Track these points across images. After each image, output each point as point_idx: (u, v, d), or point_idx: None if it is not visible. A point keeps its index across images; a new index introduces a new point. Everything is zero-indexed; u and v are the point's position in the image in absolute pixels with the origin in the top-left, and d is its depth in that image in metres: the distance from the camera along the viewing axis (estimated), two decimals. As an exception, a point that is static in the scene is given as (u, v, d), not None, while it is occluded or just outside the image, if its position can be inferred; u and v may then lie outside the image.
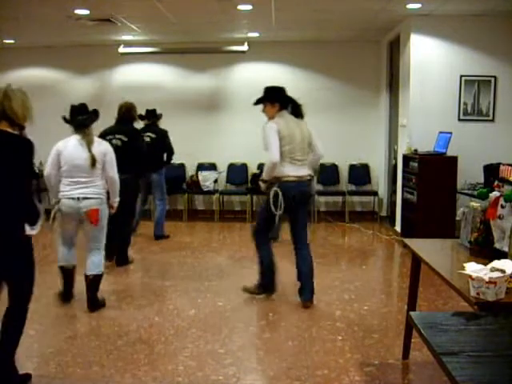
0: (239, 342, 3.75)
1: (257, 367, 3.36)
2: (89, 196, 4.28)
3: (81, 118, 4.33)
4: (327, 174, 8.69)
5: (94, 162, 4.25)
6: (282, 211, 4.36)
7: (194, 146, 8.77)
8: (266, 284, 4.64)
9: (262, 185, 4.53)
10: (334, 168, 8.68)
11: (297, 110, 4.60)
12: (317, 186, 8.72)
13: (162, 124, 8.72)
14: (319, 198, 8.59)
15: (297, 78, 8.67)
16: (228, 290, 4.94)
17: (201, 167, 8.74)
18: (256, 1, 5.96)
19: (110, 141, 5.38)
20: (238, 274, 5.51)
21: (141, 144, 6.00)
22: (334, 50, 8.53)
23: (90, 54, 8.74)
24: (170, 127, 8.82)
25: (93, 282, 4.43)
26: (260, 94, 9.03)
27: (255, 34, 8.05)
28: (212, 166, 8.76)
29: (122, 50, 8.42)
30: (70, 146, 4.28)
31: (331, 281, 5.28)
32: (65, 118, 4.41)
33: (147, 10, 6.41)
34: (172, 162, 7.22)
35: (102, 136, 5.49)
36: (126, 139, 5.67)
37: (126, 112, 5.98)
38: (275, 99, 4.53)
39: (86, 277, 4.42)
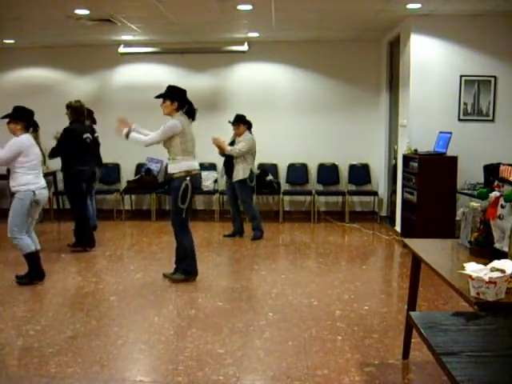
0: (239, 342, 3.75)
1: (257, 367, 3.36)
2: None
3: (33, 121, 5.07)
4: (327, 173, 8.70)
5: (45, 159, 5.14)
6: (187, 204, 4.93)
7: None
8: (191, 269, 5.04)
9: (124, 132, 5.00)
10: (334, 168, 8.69)
11: (192, 113, 5.11)
12: (317, 186, 8.73)
13: (162, 123, 8.73)
14: (319, 198, 8.59)
15: (297, 78, 8.68)
16: (228, 290, 4.94)
17: (201, 167, 8.72)
18: (256, 1, 5.96)
19: (85, 139, 6.39)
20: (238, 273, 5.51)
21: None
22: (334, 49, 8.54)
23: (90, 54, 8.74)
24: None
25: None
26: (260, 94, 9.07)
27: (255, 34, 8.05)
28: (212, 166, 8.77)
29: (121, 49, 8.42)
30: (34, 144, 4.95)
31: (331, 281, 5.28)
32: (35, 123, 5.08)
33: (147, 10, 6.41)
34: None
35: (79, 133, 6.36)
36: (91, 137, 6.53)
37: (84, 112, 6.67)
38: (176, 98, 4.96)
39: (38, 252, 5.08)
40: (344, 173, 8.72)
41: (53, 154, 6.40)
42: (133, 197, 8.98)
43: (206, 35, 8.06)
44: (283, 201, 8.50)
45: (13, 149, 4.79)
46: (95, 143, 6.77)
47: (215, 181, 8.62)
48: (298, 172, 8.75)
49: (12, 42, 8.32)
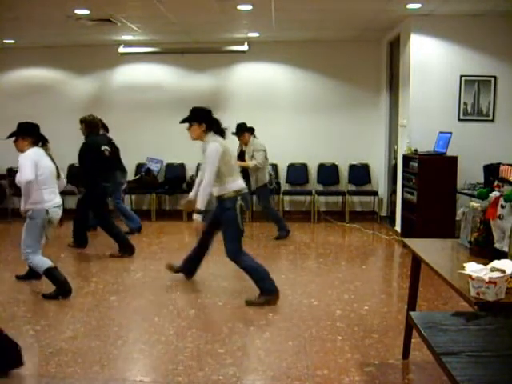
0: (239, 342, 3.75)
1: (257, 367, 3.36)
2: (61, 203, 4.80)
3: (42, 135, 4.76)
4: (327, 174, 8.70)
5: (58, 172, 4.78)
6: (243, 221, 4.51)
7: (194, 146, 8.72)
8: (267, 288, 4.57)
9: (198, 217, 4.42)
10: (334, 168, 8.69)
11: (221, 132, 4.71)
12: (317, 186, 8.73)
13: (162, 123, 8.76)
14: (319, 198, 8.59)
15: (297, 78, 8.68)
16: (228, 290, 4.94)
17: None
18: (256, 1, 5.96)
19: (103, 151, 6.22)
20: (238, 274, 5.50)
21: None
22: (334, 49, 8.53)
23: (90, 54, 8.74)
24: (170, 127, 8.82)
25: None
26: (260, 94, 9.06)
27: (255, 34, 8.04)
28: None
29: (121, 50, 8.42)
30: (44, 156, 4.63)
31: (331, 281, 5.28)
32: (43, 137, 4.76)
33: (147, 10, 6.41)
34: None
35: (97, 146, 6.22)
36: (109, 149, 6.38)
37: (98, 124, 6.52)
38: (202, 120, 4.61)
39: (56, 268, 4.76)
40: (344, 173, 8.72)
41: (79, 176, 6.33)
42: (133, 197, 8.97)
43: (206, 35, 8.06)
44: (283, 201, 8.50)
45: (28, 164, 4.43)
46: (114, 153, 6.74)
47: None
48: (298, 172, 8.75)
49: (12, 42, 8.31)
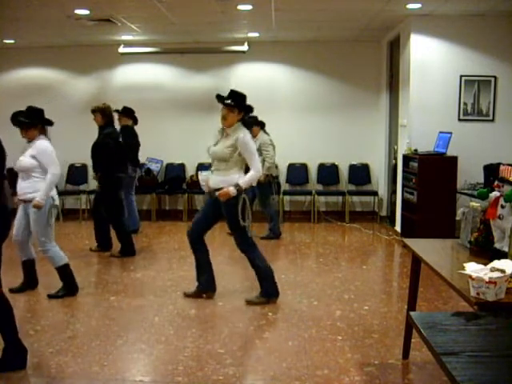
0: (239, 342, 3.75)
1: (257, 367, 3.36)
2: None
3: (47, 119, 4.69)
4: (327, 173, 8.70)
5: None
6: (250, 219, 4.41)
7: (194, 145, 8.77)
8: (272, 290, 4.58)
9: (234, 190, 4.28)
10: (334, 168, 8.69)
11: (248, 121, 4.54)
12: (317, 186, 8.73)
13: (162, 123, 8.77)
14: (319, 198, 8.59)
15: (297, 78, 8.68)
16: (228, 290, 4.94)
17: (201, 167, 8.73)
18: (256, 1, 5.97)
19: (120, 142, 6.13)
20: (238, 274, 5.51)
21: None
22: (334, 50, 8.54)
23: (90, 54, 8.74)
24: (170, 127, 8.85)
25: None
26: (259, 94, 9.03)
27: (255, 34, 8.05)
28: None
29: (121, 50, 8.42)
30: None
31: (331, 281, 5.28)
32: (49, 121, 4.69)
33: (147, 10, 6.41)
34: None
35: (117, 136, 6.15)
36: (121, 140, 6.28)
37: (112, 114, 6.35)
38: (243, 109, 4.40)
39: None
40: (344, 173, 8.72)
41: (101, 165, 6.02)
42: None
43: (206, 35, 8.06)
44: (283, 201, 8.50)
45: (53, 156, 4.50)
46: (132, 145, 6.75)
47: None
48: (298, 172, 8.75)
49: (12, 42, 8.32)
